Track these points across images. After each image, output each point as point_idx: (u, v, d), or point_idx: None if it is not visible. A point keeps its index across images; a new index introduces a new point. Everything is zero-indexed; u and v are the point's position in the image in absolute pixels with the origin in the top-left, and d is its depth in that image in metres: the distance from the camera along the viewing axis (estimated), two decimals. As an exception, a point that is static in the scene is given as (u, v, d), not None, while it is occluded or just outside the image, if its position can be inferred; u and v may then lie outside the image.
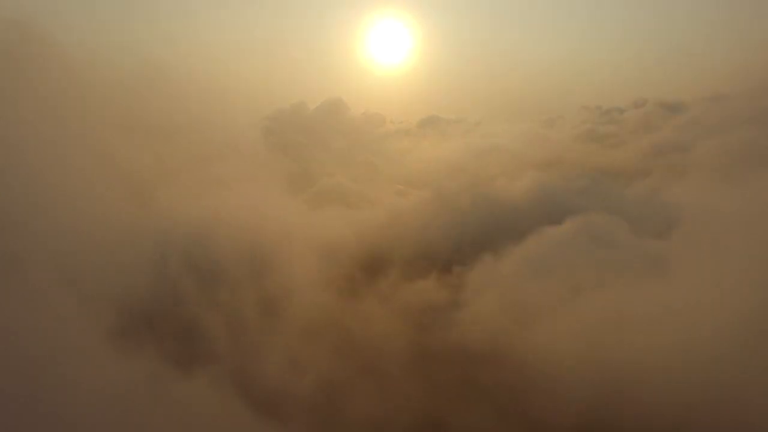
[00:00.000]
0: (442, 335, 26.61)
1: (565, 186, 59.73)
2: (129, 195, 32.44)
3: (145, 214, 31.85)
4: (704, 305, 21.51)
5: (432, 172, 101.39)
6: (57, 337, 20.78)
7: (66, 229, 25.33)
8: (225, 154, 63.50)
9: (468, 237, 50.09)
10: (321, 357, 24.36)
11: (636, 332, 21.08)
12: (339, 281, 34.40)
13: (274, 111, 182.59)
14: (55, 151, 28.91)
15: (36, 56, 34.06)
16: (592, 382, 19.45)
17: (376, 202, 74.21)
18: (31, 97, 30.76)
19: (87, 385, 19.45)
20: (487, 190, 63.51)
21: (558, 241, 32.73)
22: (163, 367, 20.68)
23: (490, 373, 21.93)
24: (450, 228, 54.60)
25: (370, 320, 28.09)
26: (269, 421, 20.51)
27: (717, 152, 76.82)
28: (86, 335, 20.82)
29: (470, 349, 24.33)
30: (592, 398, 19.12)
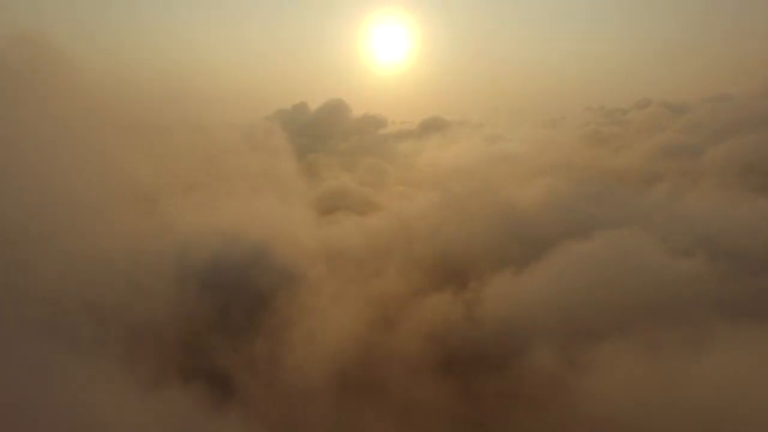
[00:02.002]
0: (485, 374, 24.67)
1: (578, 192, 58.22)
2: (141, 209, 31.05)
3: (157, 229, 30.45)
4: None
5: (438, 175, 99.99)
6: (77, 367, 19.47)
7: (81, 249, 23.97)
8: (228, 157, 62.22)
9: (482, 248, 48.48)
10: (352, 401, 22.78)
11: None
12: (355, 300, 32.84)
13: (274, 112, 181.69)
14: (68, 166, 27.59)
15: (46, 69, 32.72)
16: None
17: (383, 207, 72.89)
18: (37, 105, 29.40)
19: (106, 421, 18.15)
20: (498, 196, 62.13)
21: (590, 259, 30.85)
22: (188, 405, 19.24)
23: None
24: (462, 237, 53.12)
25: (400, 357, 26.27)
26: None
27: (730, 157, 75.43)
28: (107, 366, 19.49)
29: (521, 392, 22.35)
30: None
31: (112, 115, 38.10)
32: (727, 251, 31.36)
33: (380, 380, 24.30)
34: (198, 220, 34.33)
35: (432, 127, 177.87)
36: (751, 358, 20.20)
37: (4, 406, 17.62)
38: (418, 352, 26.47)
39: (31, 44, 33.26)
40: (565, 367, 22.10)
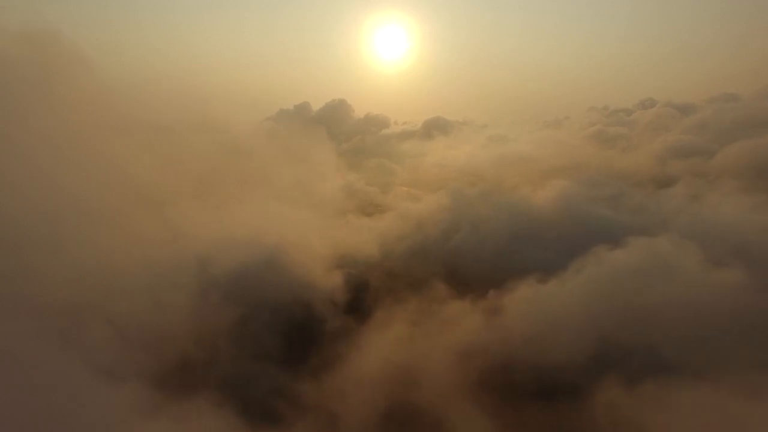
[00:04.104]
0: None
1: (594, 195, 56.82)
2: (153, 214, 29.56)
3: (171, 236, 28.98)
4: None
5: (445, 176, 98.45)
6: (95, 381, 18.17)
7: (96, 258, 22.58)
8: (235, 159, 60.74)
9: (498, 253, 46.96)
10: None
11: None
12: (375, 312, 31.39)
13: (277, 112, 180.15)
14: (81, 170, 26.20)
15: (54, 69, 31.25)
16: None
17: (391, 208, 71.45)
18: (47, 107, 27.99)
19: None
20: (511, 199, 60.62)
21: (625, 268, 29.03)
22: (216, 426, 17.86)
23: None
24: (477, 241, 51.66)
25: (429, 376, 24.21)
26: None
27: (744, 158, 74.03)
28: (127, 383, 18.18)
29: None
30: None
31: (122, 117, 36.62)
32: (764, 260, 29.86)
33: (412, 403, 22.75)
34: (211, 225, 32.85)
35: (435, 127, 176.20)
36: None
37: (23, 422, 16.51)
38: (449, 371, 24.70)
39: (38, 43, 31.84)
40: (626, 400, 20.09)
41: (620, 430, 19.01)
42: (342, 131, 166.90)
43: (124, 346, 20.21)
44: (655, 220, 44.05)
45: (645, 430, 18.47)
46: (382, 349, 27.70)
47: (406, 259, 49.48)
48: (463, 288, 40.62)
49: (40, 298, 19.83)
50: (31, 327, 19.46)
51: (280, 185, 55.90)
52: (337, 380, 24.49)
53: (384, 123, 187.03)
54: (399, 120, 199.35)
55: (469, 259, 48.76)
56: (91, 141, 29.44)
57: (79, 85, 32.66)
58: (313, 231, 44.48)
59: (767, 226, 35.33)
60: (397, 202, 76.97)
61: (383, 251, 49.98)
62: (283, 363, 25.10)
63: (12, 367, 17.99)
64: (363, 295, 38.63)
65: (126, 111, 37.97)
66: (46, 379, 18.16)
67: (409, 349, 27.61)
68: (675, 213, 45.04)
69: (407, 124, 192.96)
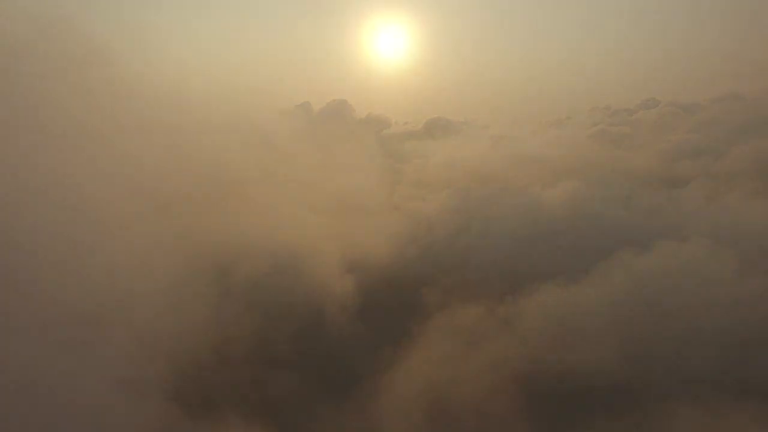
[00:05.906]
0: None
1: (608, 196, 55.85)
2: (169, 224, 28.52)
3: (189, 245, 28.00)
4: None
5: (451, 176, 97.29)
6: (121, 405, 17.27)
7: (115, 270, 21.63)
8: (240, 160, 59.62)
9: (511, 255, 45.97)
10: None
11: None
12: (393, 321, 30.44)
13: (277, 112, 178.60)
14: (96, 172, 25.18)
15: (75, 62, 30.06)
16: None
17: (396, 209, 70.49)
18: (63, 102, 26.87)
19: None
20: (521, 200, 59.69)
21: (658, 275, 27.87)
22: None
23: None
24: (487, 243, 50.69)
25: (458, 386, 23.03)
26: None
27: (756, 159, 73.21)
28: (152, 399, 17.28)
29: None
30: None
31: (136, 117, 35.45)
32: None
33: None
34: (226, 229, 31.84)
35: (437, 127, 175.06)
36: None
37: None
38: (474, 379, 23.53)
39: (53, 33, 30.67)
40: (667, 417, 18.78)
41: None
42: (344, 131, 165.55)
43: (144, 355, 19.26)
44: (672, 221, 43.12)
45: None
46: (414, 363, 26.60)
47: (418, 262, 48.52)
48: (477, 291, 39.64)
49: (56, 306, 18.92)
50: (45, 336, 18.53)
51: (281, 184, 54.63)
52: (356, 389, 23.53)
53: (385, 123, 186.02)
54: (400, 120, 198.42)
55: (481, 262, 47.74)
56: (106, 141, 28.40)
57: (95, 81, 31.58)
58: (328, 233, 43.51)
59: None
60: (403, 202, 76.03)
61: (394, 253, 49.01)
62: (299, 370, 24.19)
63: (26, 376, 17.12)
64: (377, 300, 37.64)
65: (138, 111, 36.86)
66: (63, 390, 17.30)
67: (431, 355, 26.67)
68: (692, 215, 44.15)
69: (408, 124, 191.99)
